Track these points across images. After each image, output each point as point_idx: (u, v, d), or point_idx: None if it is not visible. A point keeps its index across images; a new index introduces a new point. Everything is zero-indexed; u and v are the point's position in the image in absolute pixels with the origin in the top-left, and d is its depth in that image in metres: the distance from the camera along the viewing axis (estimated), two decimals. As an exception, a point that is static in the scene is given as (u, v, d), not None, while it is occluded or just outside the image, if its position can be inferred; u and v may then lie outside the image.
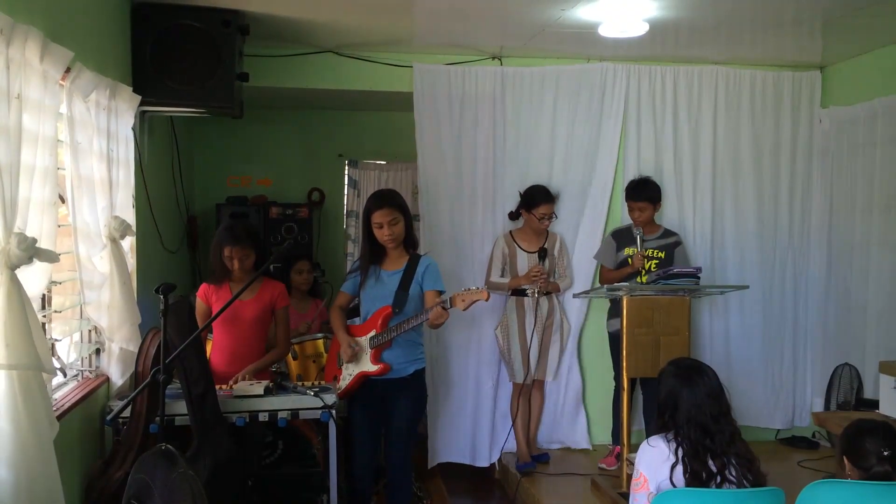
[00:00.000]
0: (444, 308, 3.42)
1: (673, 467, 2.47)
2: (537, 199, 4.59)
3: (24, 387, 2.20)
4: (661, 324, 4.01)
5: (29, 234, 2.25)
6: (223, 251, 3.70)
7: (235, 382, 3.56)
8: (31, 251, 2.20)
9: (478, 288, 3.45)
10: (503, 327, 4.71)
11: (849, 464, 2.59)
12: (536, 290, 4.55)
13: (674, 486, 2.46)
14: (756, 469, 2.51)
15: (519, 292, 4.64)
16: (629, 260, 4.51)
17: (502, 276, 4.66)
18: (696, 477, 2.45)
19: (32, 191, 2.35)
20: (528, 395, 4.75)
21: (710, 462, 2.47)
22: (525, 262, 4.60)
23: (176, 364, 3.12)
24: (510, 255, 4.64)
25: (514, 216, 4.77)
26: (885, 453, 2.50)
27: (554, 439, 5.09)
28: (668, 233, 4.73)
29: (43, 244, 2.35)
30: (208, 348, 3.81)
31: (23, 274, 2.25)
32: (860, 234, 4.88)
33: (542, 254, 4.58)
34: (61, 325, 3.18)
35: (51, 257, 2.35)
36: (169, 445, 2.71)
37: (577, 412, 5.11)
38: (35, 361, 2.19)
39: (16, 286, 2.18)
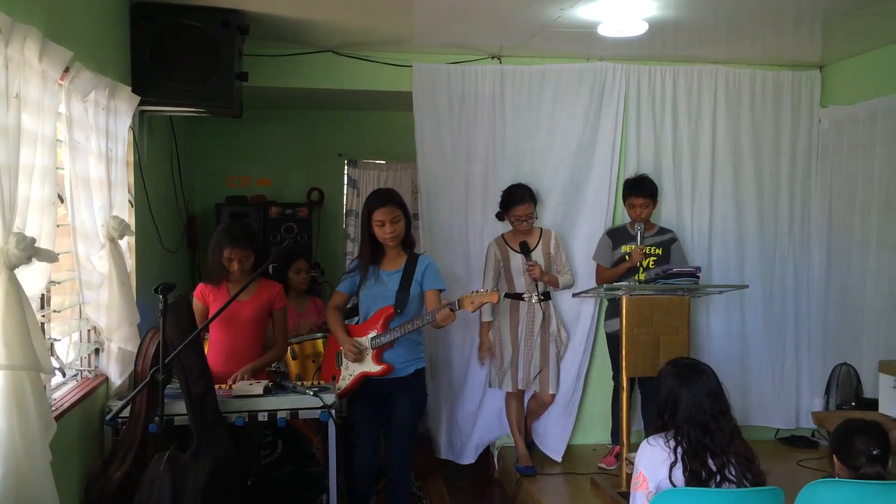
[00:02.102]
0: (451, 310, 3.41)
1: (672, 467, 2.47)
2: (512, 201, 4.51)
3: (21, 387, 2.20)
4: (660, 323, 4.01)
5: (28, 234, 2.25)
6: (223, 252, 3.70)
7: (234, 382, 3.57)
8: (29, 251, 2.20)
9: (487, 290, 3.45)
10: (495, 330, 4.65)
11: (838, 462, 2.60)
12: (534, 295, 4.55)
13: (673, 485, 2.46)
14: (756, 468, 2.51)
15: (515, 296, 4.61)
16: (627, 257, 4.50)
17: (497, 284, 4.60)
18: (696, 476, 2.45)
19: (31, 190, 2.35)
20: (521, 398, 4.74)
21: (710, 461, 2.47)
22: (519, 263, 4.57)
23: (175, 364, 3.12)
24: (503, 258, 4.60)
25: (500, 217, 4.68)
26: (875, 452, 2.51)
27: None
28: (663, 230, 4.74)
29: (42, 244, 2.35)
30: (205, 348, 3.80)
31: (22, 274, 2.25)
32: (859, 233, 4.88)
33: (524, 247, 4.50)
34: (60, 325, 3.17)
35: (50, 257, 2.35)
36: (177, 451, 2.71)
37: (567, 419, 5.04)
38: (33, 362, 2.19)
39: (14, 286, 2.17)
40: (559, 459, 4.84)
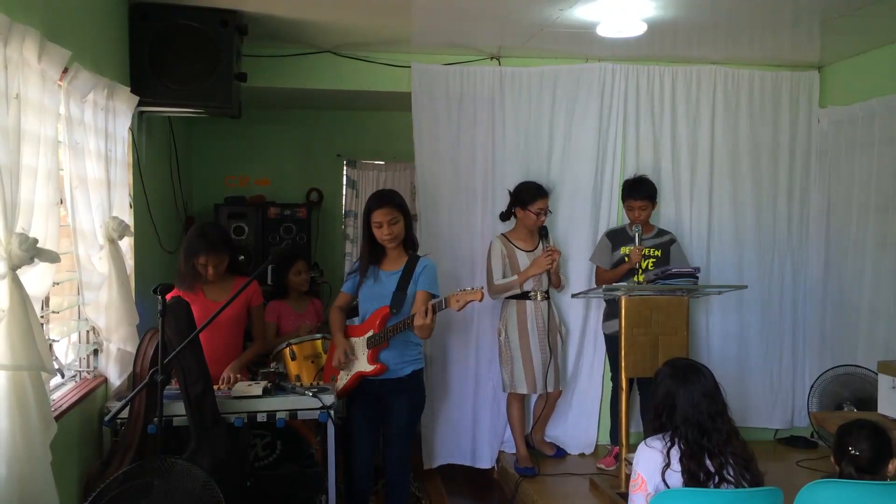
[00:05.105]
0: (434, 310, 3.38)
1: (665, 469, 2.47)
2: (533, 195, 4.51)
3: (22, 387, 2.20)
4: (659, 324, 4.01)
5: (33, 236, 2.25)
6: (198, 259, 3.70)
7: (227, 382, 3.58)
8: (32, 251, 2.20)
9: (472, 288, 3.40)
10: (505, 333, 4.61)
11: (833, 461, 2.63)
12: (538, 293, 4.54)
13: (666, 486, 2.46)
14: (754, 468, 2.51)
15: (521, 296, 4.59)
16: (626, 258, 4.50)
17: (504, 277, 4.57)
18: (694, 477, 2.45)
19: (36, 192, 2.35)
20: (523, 399, 4.74)
21: (708, 462, 2.47)
22: (525, 260, 4.56)
23: (174, 364, 3.12)
24: (509, 254, 4.58)
25: (505, 217, 4.68)
26: (853, 453, 2.53)
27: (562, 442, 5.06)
28: (662, 231, 4.75)
29: (47, 246, 2.36)
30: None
31: (27, 275, 2.26)
32: (857, 233, 4.89)
33: (544, 232, 4.54)
34: (59, 326, 3.17)
35: (52, 257, 2.35)
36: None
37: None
38: (37, 362, 2.20)
39: (17, 287, 2.18)
40: (590, 451, 4.98)
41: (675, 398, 2.54)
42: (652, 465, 2.50)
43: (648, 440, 2.58)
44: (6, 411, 2.17)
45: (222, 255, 3.74)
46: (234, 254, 3.87)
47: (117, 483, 2.72)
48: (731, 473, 2.47)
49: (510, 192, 4.65)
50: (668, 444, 2.51)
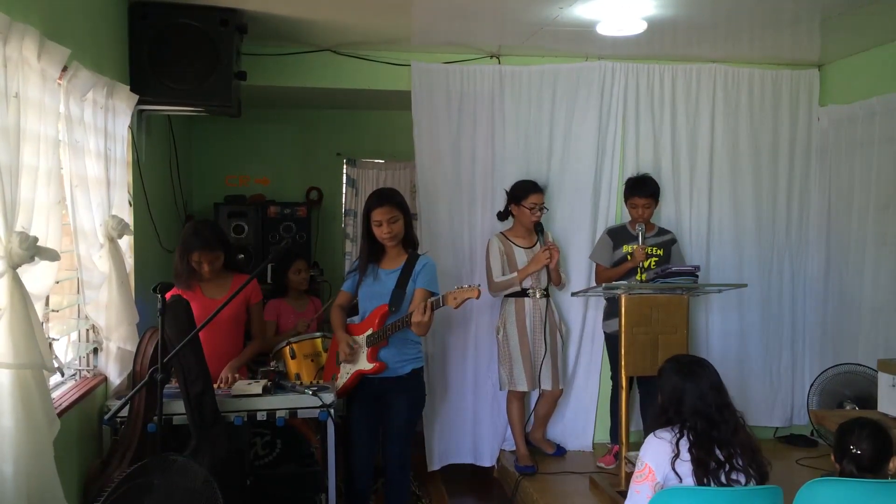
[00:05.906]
0: (433, 307, 3.39)
1: (675, 459, 2.49)
2: (527, 190, 4.53)
3: (26, 385, 2.21)
4: (659, 322, 4.01)
5: (34, 234, 2.25)
6: (192, 256, 3.70)
7: (226, 382, 3.59)
8: (32, 250, 2.20)
9: (470, 286, 3.40)
10: (503, 331, 4.62)
11: (833, 459, 2.64)
12: (537, 290, 4.55)
13: (676, 475, 2.48)
14: (760, 458, 2.56)
15: (519, 293, 4.59)
16: (629, 257, 4.49)
17: (504, 274, 4.58)
18: (703, 465, 2.47)
19: (37, 191, 2.35)
20: (523, 398, 4.74)
21: (717, 452, 2.50)
22: (524, 257, 4.56)
23: (174, 363, 3.12)
24: (507, 252, 4.58)
25: (503, 216, 4.69)
26: (853, 451, 2.54)
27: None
28: (662, 231, 4.74)
29: (49, 245, 2.36)
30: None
31: (29, 273, 2.26)
32: (858, 231, 4.89)
33: (539, 228, 4.55)
34: (59, 325, 3.17)
35: (52, 255, 2.35)
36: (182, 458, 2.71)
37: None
38: (39, 360, 2.20)
39: (18, 285, 2.18)
40: (587, 450, 5.01)
41: (683, 392, 2.58)
42: (662, 455, 2.53)
43: (657, 432, 2.61)
44: (11, 410, 2.17)
45: (217, 252, 3.74)
46: (229, 251, 3.87)
47: (119, 486, 2.72)
48: (741, 463, 2.50)
49: (507, 191, 4.65)
50: (678, 436, 2.53)
